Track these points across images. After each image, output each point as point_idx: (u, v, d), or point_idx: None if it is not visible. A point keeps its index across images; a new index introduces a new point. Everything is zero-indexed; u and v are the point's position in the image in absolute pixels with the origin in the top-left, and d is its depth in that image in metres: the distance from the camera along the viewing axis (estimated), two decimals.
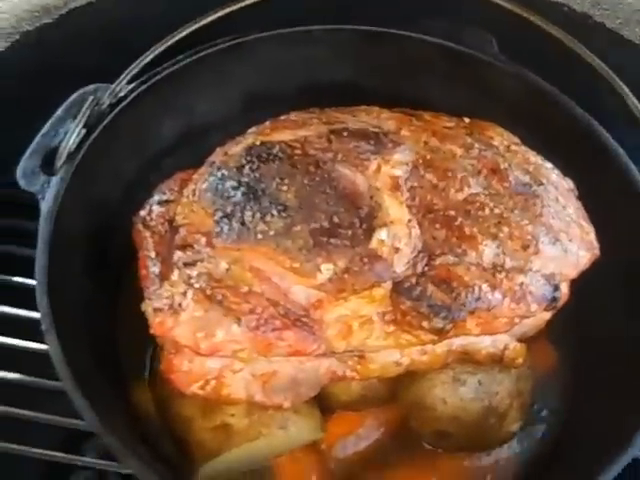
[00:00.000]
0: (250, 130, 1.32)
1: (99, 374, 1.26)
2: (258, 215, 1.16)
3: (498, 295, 1.13)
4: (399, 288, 1.13)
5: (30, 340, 1.41)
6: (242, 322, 1.11)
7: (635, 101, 1.24)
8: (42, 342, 1.35)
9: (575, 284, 1.22)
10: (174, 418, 1.28)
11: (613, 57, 1.30)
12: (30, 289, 1.21)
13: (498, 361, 1.21)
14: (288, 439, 1.24)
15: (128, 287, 1.30)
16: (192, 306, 1.12)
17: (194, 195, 1.24)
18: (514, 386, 1.26)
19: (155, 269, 1.23)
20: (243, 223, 1.16)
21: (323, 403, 1.30)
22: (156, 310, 1.15)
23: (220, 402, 1.20)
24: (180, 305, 1.13)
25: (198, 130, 1.46)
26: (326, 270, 1.13)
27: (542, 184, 1.21)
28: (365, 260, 1.13)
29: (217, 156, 1.29)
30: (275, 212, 1.16)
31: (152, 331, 1.15)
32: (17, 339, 1.43)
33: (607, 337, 1.31)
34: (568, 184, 1.25)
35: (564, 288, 1.19)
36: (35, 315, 1.36)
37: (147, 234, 1.26)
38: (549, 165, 1.26)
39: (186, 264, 1.18)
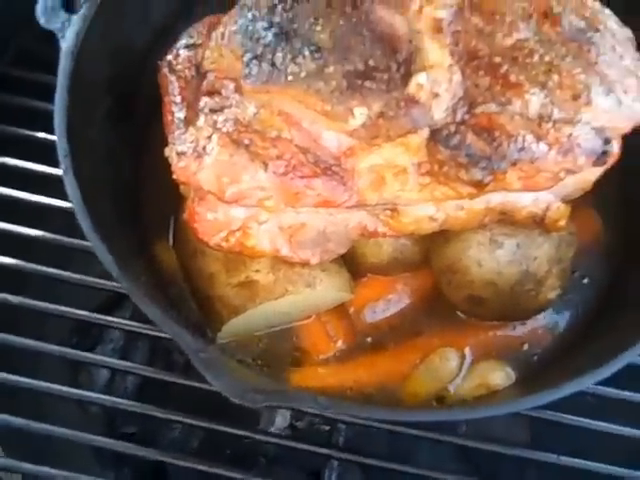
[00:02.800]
0: None
1: (121, 229, 1.22)
2: (289, 56, 1.08)
3: (543, 146, 1.04)
4: (437, 136, 1.06)
5: (57, 198, 1.37)
6: (269, 168, 1.06)
7: None
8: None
9: (623, 144, 1.13)
10: (197, 275, 1.24)
11: None
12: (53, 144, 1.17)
13: (539, 222, 1.13)
14: (315, 298, 1.20)
15: (154, 138, 1.23)
16: (217, 150, 1.07)
17: (223, 38, 1.17)
18: (554, 251, 1.19)
19: (180, 114, 1.17)
20: (273, 64, 1.09)
21: (353, 266, 1.25)
22: (180, 154, 1.10)
23: (244, 256, 1.15)
24: (205, 149, 1.08)
25: None
26: (359, 114, 1.05)
27: (598, 31, 1.11)
28: (401, 104, 1.05)
29: None
30: (307, 53, 1.08)
31: (175, 176, 1.10)
32: (43, 196, 1.39)
33: None
34: (626, 33, 1.15)
35: (615, 144, 1.10)
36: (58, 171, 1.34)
37: (173, 79, 1.20)
38: (607, 11, 1.15)
39: (213, 110, 1.12)
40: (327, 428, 1.46)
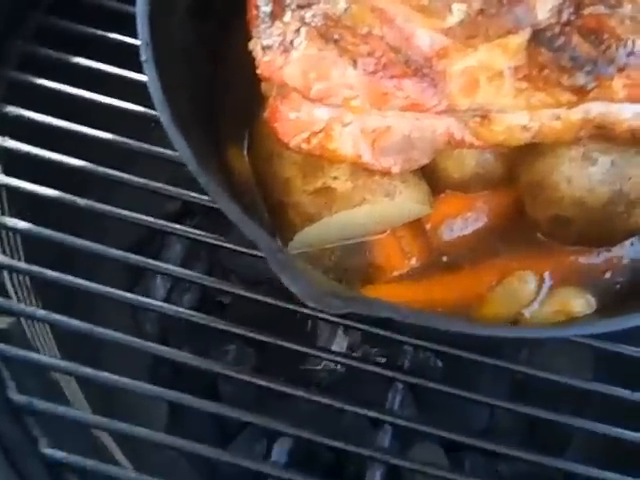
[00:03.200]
0: None
1: (197, 129, 1.17)
2: None
3: None
4: (539, 37, 1.00)
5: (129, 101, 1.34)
6: (359, 65, 1.01)
7: None
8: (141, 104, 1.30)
9: None
10: (272, 181, 1.20)
11: None
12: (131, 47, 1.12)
13: (638, 139, 1.07)
14: (393, 209, 1.15)
15: (234, 38, 1.20)
16: (305, 44, 1.02)
17: None
18: None
19: (266, 8, 1.11)
20: None
21: (432, 181, 1.20)
22: (265, 48, 1.05)
23: (324, 159, 1.11)
24: (292, 43, 1.03)
25: None
26: (457, 10, 1.00)
27: None
28: (503, 1, 0.99)
29: None
30: None
31: (259, 71, 1.06)
32: (114, 99, 1.36)
33: None
34: None
35: None
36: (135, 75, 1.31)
37: None
38: None
39: (300, 6, 1.06)
40: (383, 360, 1.44)
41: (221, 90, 1.29)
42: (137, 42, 1.08)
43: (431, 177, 1.19)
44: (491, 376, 1.42)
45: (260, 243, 0.99)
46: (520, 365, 1.22)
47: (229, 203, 1.01)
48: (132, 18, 1.09)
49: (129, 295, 1.24)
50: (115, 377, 1.17)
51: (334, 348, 1.48)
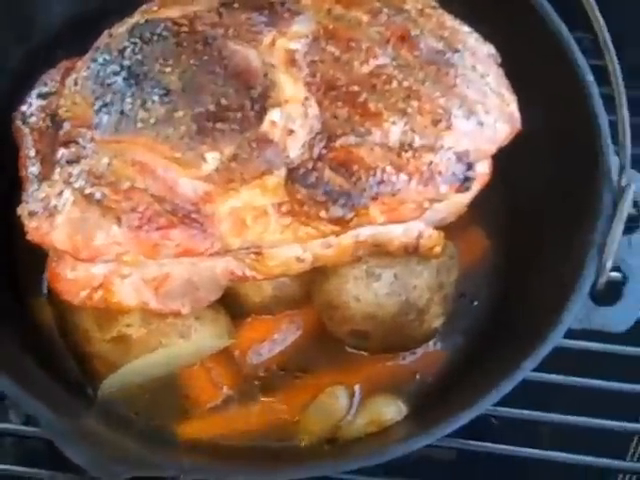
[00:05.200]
0: (140, 9, 1.18)
1: None
2: (139, 102, 1.05)
3: (403, 177, 1.01)
4: (294, 175, 1.02)
5: None
6: (123, 222, 1.01)
7: None
8: None
9: (501, 162, 1.10)
10: (73, 331, 1.19)
11: None
12: None
13: (413, 252, 1.09)
14: (191, 348, 1.15)
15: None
16: (68, 207, 1.02)
17: (76, 84, 1.12)
18: (434, 278, 1.15)
19: (34, 169, 1.12)
20: (122, 112, 1.05)
21: (234, 308, 1.20)
22: (31, 213, 1.05)
23: (112, 311, 1.11)
24: (56, 207, 1.03)
25: (91, 15, 1.31)
26: (212, 159, 1.01)
27: (458, 51, 1.08)
28: (254, 145, 1.02)
29: (102, 39, 1.16)
30: (156, 98, 1.05)
31: (28, 237, 1.05)
32: None
33: (539, 218, 1.19)
34: (488, 49, 1.12)
35: (481, 166, 1.07)
36: None
37: (27, 131, 1.16)
38: (467, 29, 1.12)
39: (69, 161, 1.07)
40: None
41: (17, 242, 1.26)
42: None
43: (232, 304, 1.20)
44: None
45: (40, 418, 0.98)
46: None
47: (7, 381, 0.99)
48: None
49: None
50: None
51: None
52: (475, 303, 1.26)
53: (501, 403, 1.07)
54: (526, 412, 1.22)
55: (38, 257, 1.21)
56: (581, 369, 1.23)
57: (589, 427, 1.22)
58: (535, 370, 1.05)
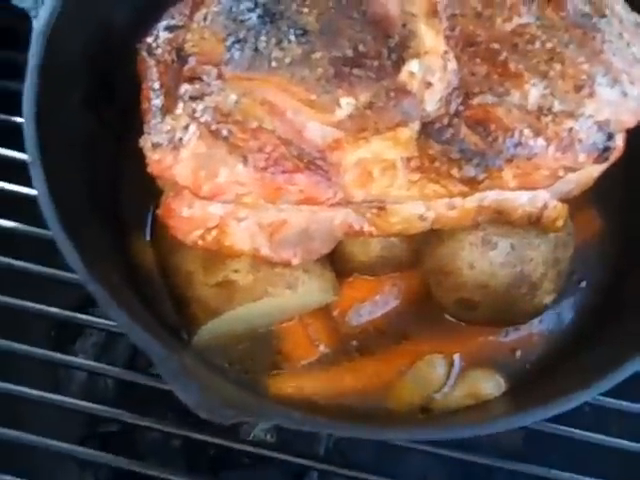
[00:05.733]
0: None
1: (95, 223, 1.17)
2: (274, 41, 1.03)
3: (541, 141, 0.99)
4: (428, 129, 1.00)
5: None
6: (249, 161, 1.00)
7: None
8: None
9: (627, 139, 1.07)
10: (174, 274, 1.18)
11: None
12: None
13: (535, 222, 1.08)
14: (296, 300, 1.14)
15: (135, 125, 1.15)
16: (194, 142, 1.01)
17: (205, 20, 1.11)
18: (551, 253, 1.13)
19: (158, 101, 1.11)
20: (256, 49, 1.04)
21: (338, 265, 1.19)
22: (155, 145, 1.04)
23: (222, 254, 1.10)
24: (181, 140, 1.02)
25: None
26: (346, 104, 1.00)
27: (605, 16, 1.06)
28: (391, 95, 1.00)
29: None
30: (293, 37, 1.03)
31: (149, 169, 1.04)
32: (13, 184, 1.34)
33: None
34: (635, 18, 1.09)
35: (619, 139, 1.04)
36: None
37: (152, 63, 1.14)
38: None
39: (192, 97, 1.05)
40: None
41: (122, 179, 1.27)
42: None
43: (338, 261, 1.18)
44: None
45: (150, 352, 0.97)
46: (447, 449, 1.20)
47: (118, 311, 0.98)
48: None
49: (44, 394, 1.24)
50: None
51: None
52: (582, 284, 1.23)
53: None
54: (625, 403, 1.19)
55: (142, 196, 1.22)
56: None
57: None
58: None
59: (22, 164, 1.26)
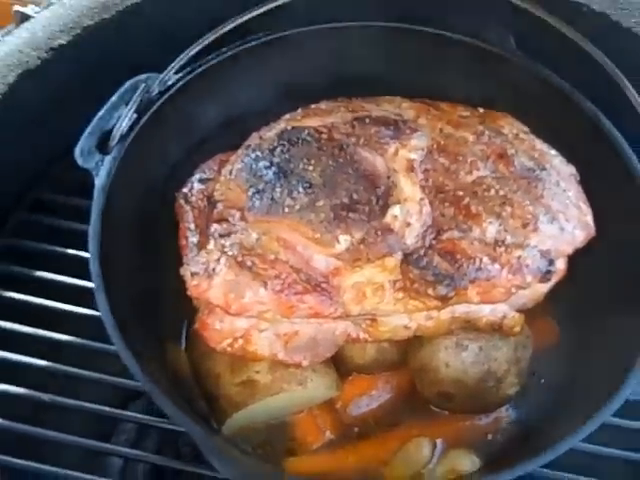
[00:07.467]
0: (284, 117, 1.46)
1: (143, 336, 1.37)
2: (286, 192, 1.30)
3: (497, 266, 1.25)
4: (409, 259, 1.26)
5: (84, 307, 1.57)
6: (268, 286, 1.25)
7: (636, 96, 1.34)
8: (93, 308, 1.52)
9: (574, 265, 1.34)
10: (206, 375, 1.41)
11: (629, 56, 1.43)
12: (84, 260, 1.34)
13: (498, 329, 1.32)
14: (306, 394, 1.37)
15: (171, 256, 1.41)
16: (225, 271, 1.26)
17: (231, 174, 1.38)
18: (512, 353, 1.37)
19: (194, 239, 1.37)
20: (273, 198, 1.30)
21: (340, 366, 1.43)
22: (193, 274, 1.29)
23: (246, 359, 1.33)
24: (214, 270, 1.27)
25: (238, 117, 1.59)
26: (344, 241, 1.26)
27: (545, 169, 1.34)
28: (379, 233, 1.26)
29: (253, 140, 1.43)
30: (301, 189, 1.30)
31: (189, 293, 1.29)
32: (72, 305, 1.59)
33: (604, 311, 1.42)
34: (570, 169, 1.37)
35: (560, 264, 1.31)
36: (88, 284, 1.53)
37: (188, 208, 1.41)
38: (553, 152, 1.38)
39: (221, 235, 1.32)
40: None
41: (162, 298, 1.51)
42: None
43: (339, 363, 1.43)
44: None
45: (195, 434, 1.21)
46: None
47: (165, 400, 1.21)
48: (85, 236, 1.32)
49: (85, 476, 1.44)
50: None
51: None
52: (542, 381, 1.47)
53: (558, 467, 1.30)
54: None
55: (178, 311, 1.48)
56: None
57: None
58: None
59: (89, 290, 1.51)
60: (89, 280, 1.37)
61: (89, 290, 1.39)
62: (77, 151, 1.36)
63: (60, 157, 1.61)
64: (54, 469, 1.44)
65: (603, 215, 1.36)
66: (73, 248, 1.64)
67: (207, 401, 1.43)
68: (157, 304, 1.50)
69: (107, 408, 1.51)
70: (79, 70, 1.64)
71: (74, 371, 1.53)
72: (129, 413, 1.52)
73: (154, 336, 1.46)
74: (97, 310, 1.36)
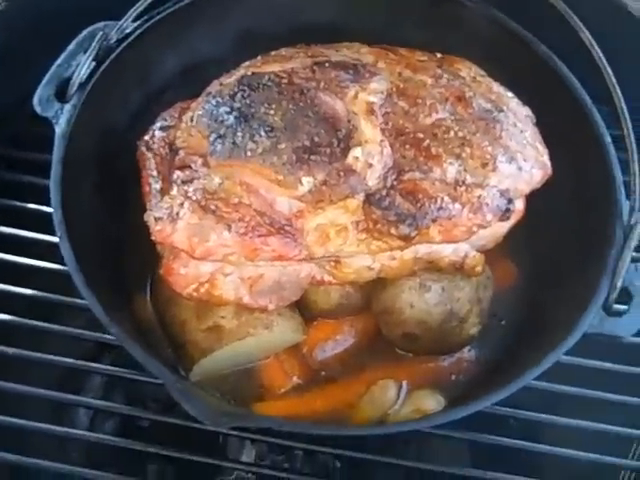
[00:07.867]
0: (243, 64, 1.46)
1: (107, 285, 1.38)
2: (248, 136, 1.30)
3: (458, 205, 1.27)
4: (371, 199, 1.27)
5: (46, 261, 1.57)
6: (232, 228, 1.25)
7: (590, 37, 1.36)
8: (56, 262, 1.52)
9: (531, 205, 1.36)
10: (171, 322, 1.43)
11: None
12: (45, 214, 1.33)
13: (459, 269, 1.34)
14: (273, 338, 1.39)
15: (133, 205, 1.42)
16: (188, 215, 1.27)
17: (192, 121, 1.38)
18: (474, 293, 1.39)
19: (156, 186, 1.38)
20: (234, 143, 1.30)
21: (305, 311, 1.45)
22: (157, 219, 1.29)
23: (212, 304, 1.34)
24: (178, 214, 1.27)
25: (197, 66, 1.59)
26: (306, 182, 1.27)
27: (502, 110, 1.35)
28: (341, 174, 1.27)
29: (213, 86, 1.43)
30: (263, 133, 1.30)
31: (153, 238, 1.29)
32: (34, 260, 1.58)
33: (562, 251, 1.45)
34: (526, 111, 1.39)
35: (518, 203, 1.33)
36: (50, 238, 1.52)
37: (150, 155, 1.41)
38: (510, 94, 1.40)
39: (184, 181, 1.32)
40: (286, 465, 1.65)
41: (125, 247, 1.52)
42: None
43: (304, 308, 1.45)
44: (385, 471, 1.64)
45: (162, 377, 1.22)
46: (409, 460, 1.45)
47: (134, 346, 1.23)
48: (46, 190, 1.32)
49: (55, 428, 1.45)
50: None
51: (244, 459, 1.67)
52: (503, 322, 1.51)
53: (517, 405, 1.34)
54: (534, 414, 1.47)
55: (141, 259, 1.48)
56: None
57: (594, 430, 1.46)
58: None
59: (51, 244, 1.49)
60: (51, 234, 1.39)
61: (52, 244, 1.41)
62: (35, 99, 1.36)
63: (17, 109, 1.59)
64: (19, 421, 1.44)
65: (558, 157, 1.38)
66: (33, 203, 1.63)
67: (174, 349, 1.44)
68: (121, 254, 1.52)
69: (72, 360, 1.50)
70: (36, 19, 1.62)
71: (38, 324, 1.52)
72: (96, 364, 1.51)
73: (119, 286, 1.47)
74: (61, 264, 1.38)
